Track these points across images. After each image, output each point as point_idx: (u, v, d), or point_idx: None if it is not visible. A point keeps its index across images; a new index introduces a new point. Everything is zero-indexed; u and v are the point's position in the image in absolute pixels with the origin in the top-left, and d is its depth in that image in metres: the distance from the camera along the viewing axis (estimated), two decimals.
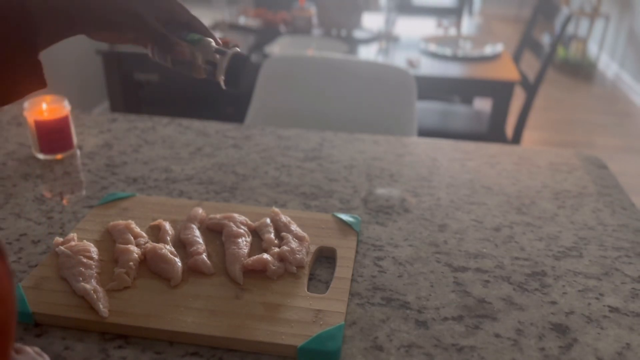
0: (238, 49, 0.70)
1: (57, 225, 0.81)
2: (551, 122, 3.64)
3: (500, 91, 2.03)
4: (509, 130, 2.67)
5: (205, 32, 0.70)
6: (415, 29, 2.60)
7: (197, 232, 0.76)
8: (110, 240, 0.75)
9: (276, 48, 2.16)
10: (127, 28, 0.63)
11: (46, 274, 0.68)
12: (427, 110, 2.41)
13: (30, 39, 0.56)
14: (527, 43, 2.44)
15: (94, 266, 0.68)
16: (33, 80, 0.58)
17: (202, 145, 1.08)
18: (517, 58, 2.48)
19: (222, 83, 0.70)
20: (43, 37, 0.58)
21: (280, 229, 0.77)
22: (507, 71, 2.07)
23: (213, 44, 0.69)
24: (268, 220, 0.78)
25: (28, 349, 0.51)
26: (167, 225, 0.77)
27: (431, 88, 2.05)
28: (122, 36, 0.68)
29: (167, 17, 0.67)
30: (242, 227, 0.76)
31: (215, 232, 0.77)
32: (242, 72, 0.70)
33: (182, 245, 0.74)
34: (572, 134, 3.47)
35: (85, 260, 0.68)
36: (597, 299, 0.69)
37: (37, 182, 0.93)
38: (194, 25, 0.70)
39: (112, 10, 0.61)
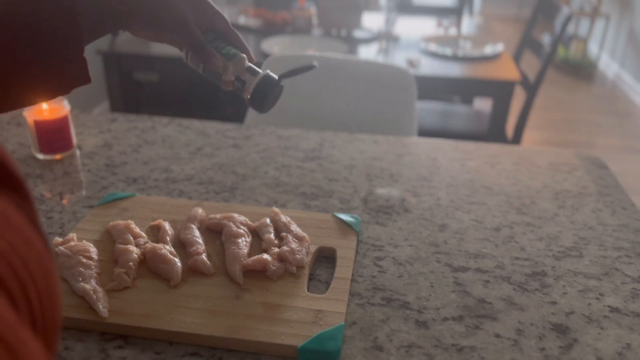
0: (270, 73, 0.70)
1: (56, 225, 0.81)
2: (551, 122, 3.64)
3: (500, 91, 2.02)
4: (509, 130, 2.67)
5: (242, 46, 0.71)
6: (415, 29, 2.60)
7: (197, 232, 0.76)
8: (110, 241, 0.75)
9: (276, 48, 2.16)
10: (170, 30, 0.64)
11: None
12: (427, 110, 2.41)
13: (77, 36, 0.57)
14: (527, 43, 2.44)
15: (93, 266, 0.68)
16: (79, 76, 0.59)
17: (202, 145, 1.08)
18: (517, 58, 2.48)
19: (246, 102, 0.70)
20: (88, 32, 0.59)
21: (280, 229, 0.77)
22: (507, 71, 2.07)
23: (246, 61, 0.69)
24: (268, 220, 0.78)
25: None
26: (167, 225, 0.77)
27: (431, 88, 2.05)
28: (163, 36, 0.68)
29: (207, 25, 0.68)
30: (242, 227, 0.76)
31: (215, 232, 0.77)
32: (271, 95, 0.70)
33: (182, 245, 0.74)
34: (572, 134, 3.47)
35: (84, 260, 0.68)
36: (597, 299, 0.69)
37: (36, 182, 0.93)
38: (231, 38, 0.70)
39: (160, 10, 0.62)
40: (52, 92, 0.59)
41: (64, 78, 0.58)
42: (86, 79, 0.59)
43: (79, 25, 0.56)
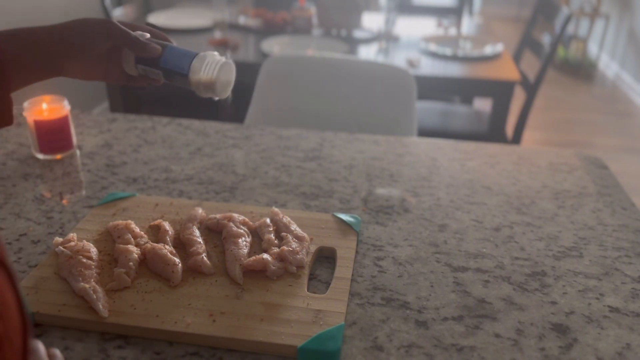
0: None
1: (56, 225, 0.81)
2: (551, 122, 3.63)
3: (500, 91, 2.02)
4: (509, 130, 2.67)
5: (163, 38, 0.75)
6: (415, 29, 2.60)
7: (197, 232, 0.76)
8: (110, 241, 0.75)
9: (276, 48, 2.16)
10: (102, 41, 0.68)
11: (46, 274, 0.68)
12: (427, 110, 2.41)
13: (3, 81, 0.61)
14: (527, 43, 2.44)
15: (93, 266, 0.68)
16: (2, 116, 0.64)
17: (202, 145, 1.08)
18: (517, 58, 2.48)
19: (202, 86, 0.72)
20: (18, 78, 0.64)
21: (280, 229, 0.77)
22: (507, 71, 2.07)
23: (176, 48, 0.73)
24: (268, 220, 0.78)
25: (41, 350, 0.51)
26: (167, 225, 0.77)
27: (431, 88, 2.05)
28: (97, 70, 0.72)
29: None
30: (242, 227, 0.76)
31: (215, 232, 0.77)
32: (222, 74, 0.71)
33: (182, 245, 0.74)
34: (572, 134, 3.47)
35: (85, 260, 0.68)
36: (597, 299, 0.69)
37: (36, 182, 0.93)
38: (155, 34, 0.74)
39: (88, 36, 0.67)
40: None
41: None
42: (9, 121, 0.65)
43: (4, 69, 0.61)
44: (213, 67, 0.70)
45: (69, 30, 0.67)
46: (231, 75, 0.74)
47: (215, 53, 0.72)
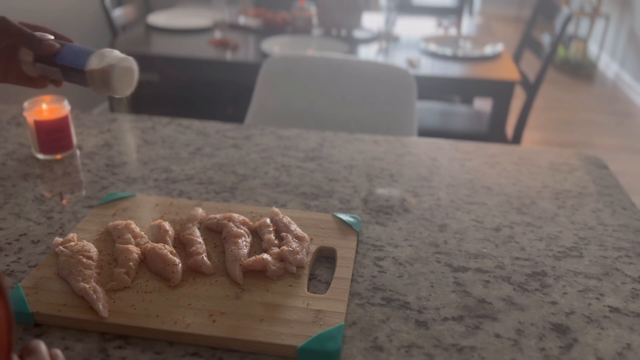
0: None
1: (56, 225, 0.81)
2: (551, 122, 3.63)
3: (500, 91, 2.02)
4: (509, 130, 2.67)
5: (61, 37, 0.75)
6: (415, 29, 2.60)
7: (197, 232, 0.76)
8: (110, 240, 0.75)
9: (276, 48, 2.16)
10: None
11: (46, 274, 0.68)
12: (427, 110, 2.41)
13: None
14: (527, 43, 2.44)
15: (93, 266, 0.68)
16: None
17: (202, 145, 1.08)
18: (517, 58, 2.48)
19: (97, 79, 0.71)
20: None
21: (280, 229, 0.77)
22: (507, 71, 2.07)
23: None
24: (268, 220, 0.78)
25: (43, 350, 0.51)
26: (167, 225, 0.77)
27: (431, 88, 2.05)
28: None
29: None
30: (242, 227, 0.76)
31: (215, 232, 0.77)
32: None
33: (182, 245, 0.74)
34: (572, 134, 3.47)
35: (85, 260, 0.68)
36: (597, 299, 0.69)
37: (36, 182, 0.93)
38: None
39: None
40: None
41: None
42: None
43: None
44: (109, 62, 0.69)
45: None
46: (131, 71, 0.72)
47: (115, 51, 0.71)
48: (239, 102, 2.35)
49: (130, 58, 0.72)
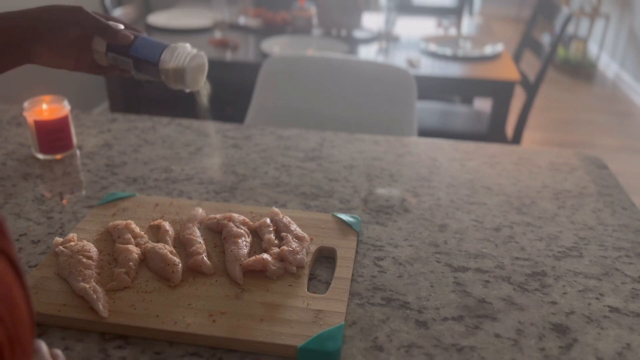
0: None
1: (56, 225, 0.81)
2: (551, 122, 3.63)
3: (500, 91, 2.02)
4: (509, 130, 2.67)
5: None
6: (415, 29, 2.60)
7: (197, 232, 0.76)
8: (110, 240, 0.75)
9: (276, 48, 2.16)
10: (71, 28, 0.67)
11: (46, 274, 0.68)
12: (427, 110, 2.41)
13: None
14: (527, 43, 2.44)
15: (93, 266, 0.68)
16: None
17: (202, 145, 1.08)
18: (517, 58, 2.48)
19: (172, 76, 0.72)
20: None
21: (280, 229, 0.77)
22: (507, 71, 2.07)
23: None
24: (268, 220, 0.78)
25: (44, 350, 0.51)
26: (167, 225, 0.77)
27: (431, 88, 2.05)
28: (67, 60, 0.72)
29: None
30: (242, 227, 0.76)
31: (215, 232, 0.77)
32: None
33: (182, 245, 0.74)
34: (572, 134, 3.47)
35: (85, 260, 0.68)
36: (597, 299, 0.69)
37: (37, 182, 0.93)
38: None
39: (56, 16, 0.67)
40: None
41: None
42: None
43: None
44: (183, 58, 0.70)
45: (38, 16, 0.66)
46: (202, 67, 0.73)
47: (187, 45, 0.72)
48: (239, 102, 2.35)
49: (202, 54, 0.73)
